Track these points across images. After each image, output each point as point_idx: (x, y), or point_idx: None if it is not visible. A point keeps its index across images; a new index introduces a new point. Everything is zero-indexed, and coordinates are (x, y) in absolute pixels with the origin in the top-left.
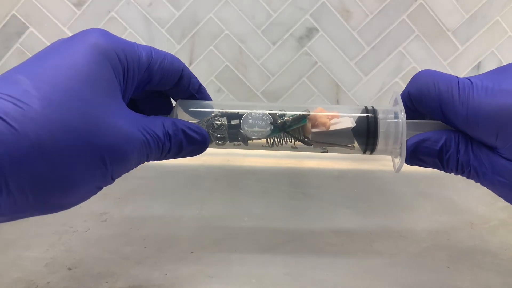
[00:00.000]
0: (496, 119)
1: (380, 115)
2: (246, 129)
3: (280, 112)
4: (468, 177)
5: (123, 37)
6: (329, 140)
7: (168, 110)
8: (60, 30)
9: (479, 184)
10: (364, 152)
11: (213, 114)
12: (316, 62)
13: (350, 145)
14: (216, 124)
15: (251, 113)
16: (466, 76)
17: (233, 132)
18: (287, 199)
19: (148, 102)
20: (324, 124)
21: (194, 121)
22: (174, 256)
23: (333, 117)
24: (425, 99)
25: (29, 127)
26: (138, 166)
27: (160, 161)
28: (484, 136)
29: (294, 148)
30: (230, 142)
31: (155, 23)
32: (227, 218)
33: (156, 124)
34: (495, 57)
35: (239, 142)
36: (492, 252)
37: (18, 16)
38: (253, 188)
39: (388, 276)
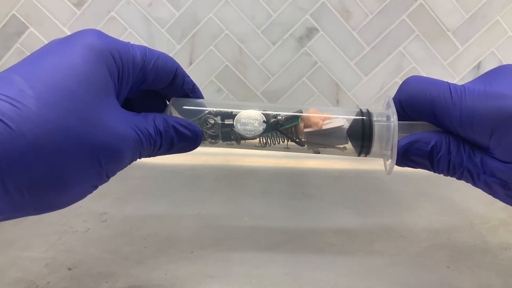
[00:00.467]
0: (490, 118)
1: (374, 118)
2: (239, 128)
3: (273, 113)
4: (459, 178)
5: (123, 37)
6: (321, 140)
7: (162, 109)
8: (60, 30)
9: None
10: (359, 155)
11: (206, 112)
12: (316, 62)
13: (342, 146)
14: (209, 122)
15: (244, 112)
16: (466, 75)
17: (226, 131)
18: (287, 199)
19: (143, 101)
20: (316, 124)
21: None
22: (174, 256)
23: (325, 118)
24: (417, 105)
25: (26, 126)
26: (138, 166)
27: (160, 161)
28: (478, 136)
29: (287, 149)
30: (223, 141)
31: (155, 23)
32: (227, 218)
33: (148, 121)
34: (495, 57)
35: (232, 142)
36: (492, 252)
37: (18, 16)
38: (253, 188)
39: (388, 276)
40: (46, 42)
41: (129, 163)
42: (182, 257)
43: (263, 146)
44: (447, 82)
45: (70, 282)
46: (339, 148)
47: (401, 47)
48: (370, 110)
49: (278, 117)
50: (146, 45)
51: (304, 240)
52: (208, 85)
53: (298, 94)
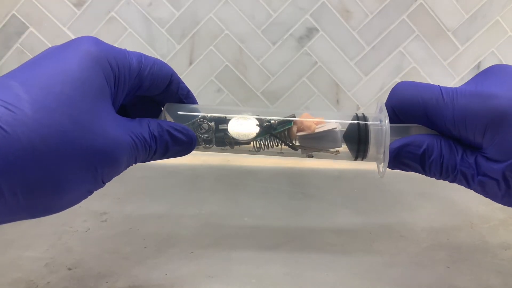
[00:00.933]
0: (482, 118)
1: (369, 122)
2: (232, 132)
3: (267, 117)
4: (452, 181)
5: (123, 37)
6: (314, 144)
7: (157, 115)
8: (60, 30)
9: None
10: (356, 159)
11: (200, 116)
12: (316, 62)
13: (335, 149)
14: (203, 127)
15: (237, 116)
16: (466, 75)
17: (220, 136)
18: (287, 199)
19: (138, 107)
20: (309, 127)
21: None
22: (174, 256)
23: (319, 122)
24: (409, 109)
25: (21, 130)
26: (139, 166)
27: (160, 161)
28: (472, 135)
29: (281, 153)
30: (217, 146)
31: (155, 23)
32: (227, 218)
33: (142, 126)
34: (495, 57)
35: (226, 147)
36: (492, 252)
37: (18, 16)
38: (253, 188)
39: (388, 276)
40: (46, 42)
41: (125, 169)
42: (182, 257)
43: (257, 151)
44: (438, 85)
45: (70, 282)
46: (332, 152)
47: (401, 47)
48: (365, 114)
49: (271, 121)
50: (146, 45)
51: (304, 240)
52: (208, 85)
53: (298, 94)
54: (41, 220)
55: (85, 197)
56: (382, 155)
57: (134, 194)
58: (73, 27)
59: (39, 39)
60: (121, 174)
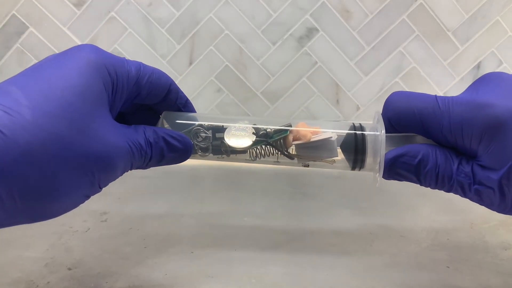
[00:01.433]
0: (478, 126)
1: (366, 132)
2: (228, 140)
3: (263, 126)
4: (448, 191)
5: (123, 37)
6: (310, 153)
7: (155, 123)
8: (60, 30)
9: None
10: (353, 169)
11: (197, 124)
12: (316, 62)
13: (331, 159)
14: (200, 135)
15: (234, 125)
16: (466, 76)
17: (216, 144)
18: (287, 199)
19: (137, 116)
20: (305, 136)
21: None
22: (174, 256)
23: (315, 132)
24: (405, 120)
25: (19, 134)
26: None
27: None
28: (468, 143)
29: (277, 162)
30: (213, 154)
31: (155, 23)
32: (227, 218)
33: (138, 133)
34: (495, 57)
35: (223, 156)
36: (492, 252)
37: (18, 16)
38: (253, 188)
39: (388, 276)
40: (46, 42)
41: (121, 174)
42: (182, 257)
43: (253, 160)
44: (433, 94)
45: (70, 282)
46: (328, 162)
47: (401, 47)
48: (362, 124)
49: (267, 130)
50: (146, 45)
51: (304, 240)
52: (208, 85)
53: (298, 94)
54: None
55: (82, 202)
56: (377, 165)
57: (134, 194)
58: (73, 27)
59: (39, 39)
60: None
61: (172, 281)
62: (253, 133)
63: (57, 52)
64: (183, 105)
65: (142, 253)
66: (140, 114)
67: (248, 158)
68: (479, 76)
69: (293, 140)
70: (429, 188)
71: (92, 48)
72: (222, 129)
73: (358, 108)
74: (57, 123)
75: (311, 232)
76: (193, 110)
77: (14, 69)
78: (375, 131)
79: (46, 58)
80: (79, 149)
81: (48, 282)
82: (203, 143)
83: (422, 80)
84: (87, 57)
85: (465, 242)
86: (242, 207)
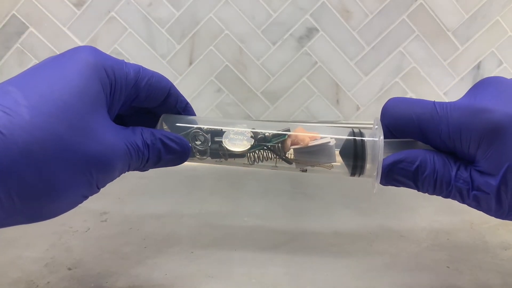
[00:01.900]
0: (476, 131)
1: (365, 138)
2: (226, 143)
3: (261, 131)
4: (446, 197)
5: (123, 37)
6: (308, 157)
7: (155, 127)
8: (60, 30)
9: None
10: (352, 175)
11: (195, 127)
12: (316, 62)
13: (329, 163)
14: (198, 138)
15: (232, 128)
16: (466, 75)
17: (214, 147)
18: (287, 199)
19: (136, 119)
20: (303, 141)
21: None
22: (174, 256)
23: (313, 137)
24: (404, 126)
25: (18, 133)
26: None
27: None
28: (467, 148)
29: (275, 167)
30: (212, 158)
31: (155, 23)
32: (227, 218)
33: (136, 134)
34: (495, 57)
35: (221, 159)
36: (492, 252)
37: (18, 16)
38: (253, 188)
39: (388, 276)
40: (46, 42)
41: (118, 175)
42: (182, 257)
43: (251, 164)
44: (431, 100)
45: (70, 282)
46: (326, 167)
47: (401, 47)
48: (362, 130)
49: (266, 134)
50: (146, 45)
51: (304, 240)
52: (208, 85)
53: (298, 94)
54: None
55: (80, 202)
56: (375, 172)
57: (134, 194)
58: (73, 27)
59: (39, 39)
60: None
61: (172, 281)
62: (251, 137)
63: (57, 52)
64: (183, 109)
65: (142, 253)
66: (140, 118)
67: (246, 162)
68: (479, 76)
69: (291, 144)
70: None
71: (90, 50)
72: (221, 133)
73: (358, 108)
74: (55, 123)
75: (311, 232)
76: (193, 114)
77: (14, 69)
78: (373, 136)
79: (45, 59)
80: (77, 149)
81: (48, 282)
82: (201, 146)
83: (422, 80)
84: (85, 58)
85: (465, 242)
86: (242, 207)
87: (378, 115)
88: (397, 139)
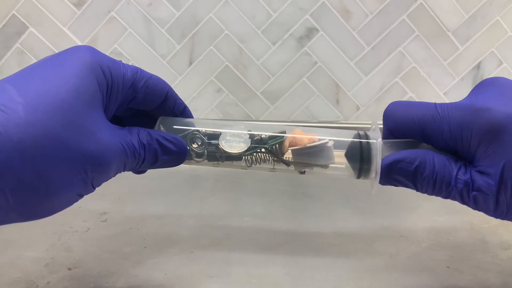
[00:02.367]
0: (476, 131)
1: (368, 140)
2: (223, 145)
3: (259, 133)
4: (446, 198)
5: (123, 37)
6: (306, 158)
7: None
8: (60, 30)
9: None
10: (359, 178)
11: (192, 129)
12: (316, 62)
13: (326, 164)
14: (195, 140)
15: (230, 130)
16: (466, 76)
17: (211, 150)
18: (287, 199)
19: (134, 120)
20: (301, 141)
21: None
22: (174, 256)
23: (311, 139)
24: (406, 129)
25: (13, 131)
26: None
27: None
28: (467, 147)
29: (273, 170)
30: (209, 161)
31: (155, 23)
32: (227, 218)
33: (132, 134)
34: (495, 57)
35: (218, 162)
36: (492, 252)
37: (18, 16)
38: (253, 188)
39: (388, 276)
40: (46, 42)
41: (114, 175)
42: (182, 257)
43: (249, 166)
44: (431, 102)
45: (70, 282)
46: (325, 168)
47: (401, 47)
48: (367, 133)
49: (263, 136)
50: (146, 45)
51: (304, 240)
52: (208, 85)
53: (298, 94)
54: (41, 220)
55: (75, 201)
56: (374, 173)
57: (134, 194)
58: (73, 27)
59: (39, 39)
60: (121, 173)
61: (172, 281)
62: (249, 138)
63: (57, 52)
64: (181, 112)
65: (142, 253)
66: (138, 120)
67: (243, 165)
68: (479, 76)
69: (289, 145)
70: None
71: (88, 49)
72: (218, 135)
73: (358, 108)
74: (51, 121)
75: (311, 232)
76: (191, 116)
77: (14, 69)
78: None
79: (42, 58)
80: (72, 146)
81: (48, 282)
82: (198, 149)
83: (422, 80)
84: (83, 57)
85: (465, 242)
86: (242, 207)
87: (378, 115)
88: (399, 140)
